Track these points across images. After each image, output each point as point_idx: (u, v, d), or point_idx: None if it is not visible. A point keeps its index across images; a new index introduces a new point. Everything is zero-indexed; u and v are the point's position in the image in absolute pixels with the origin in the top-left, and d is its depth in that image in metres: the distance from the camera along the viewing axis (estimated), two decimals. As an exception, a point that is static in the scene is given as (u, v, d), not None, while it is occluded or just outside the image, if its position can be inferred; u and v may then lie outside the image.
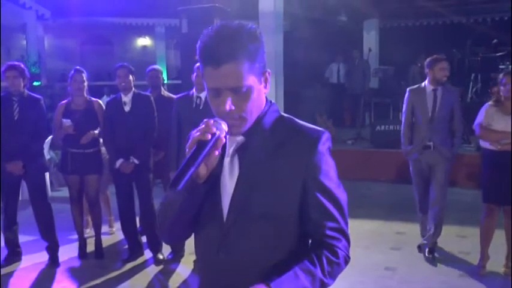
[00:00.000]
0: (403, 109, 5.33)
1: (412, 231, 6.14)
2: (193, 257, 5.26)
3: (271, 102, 1.55)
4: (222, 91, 1.41)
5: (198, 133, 1.37)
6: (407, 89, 5.38)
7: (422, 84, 5.24)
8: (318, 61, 13.29)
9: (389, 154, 9.15)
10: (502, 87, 4.65)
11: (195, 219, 1.55)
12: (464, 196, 7.31)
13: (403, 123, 5.31)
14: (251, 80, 1.42)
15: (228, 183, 1.50)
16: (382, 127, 9.53)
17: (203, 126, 1.38)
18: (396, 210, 7.13)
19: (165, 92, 6.03)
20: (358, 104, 11.92)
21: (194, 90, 5.04)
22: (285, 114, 1.57)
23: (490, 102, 4.80)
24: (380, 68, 13.17)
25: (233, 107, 1.42)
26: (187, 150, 1.38)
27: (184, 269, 5.13)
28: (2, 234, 5.30)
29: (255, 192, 1.46)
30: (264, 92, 1.50)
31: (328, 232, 1.49)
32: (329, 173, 1.50)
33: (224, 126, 1.41)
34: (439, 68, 5.05)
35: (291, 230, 1.50)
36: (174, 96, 5.63)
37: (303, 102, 11.31)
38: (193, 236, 1.64)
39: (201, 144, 1.36)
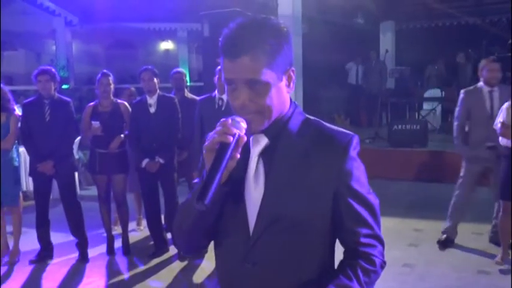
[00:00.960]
0: (458, 110, 5.25)
1: (429, 228, 6.09)
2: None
3: (295, 103, 1.45)
4: (238, 84, 1.32)
5: (216, 135, 1.28)
6: (462, 91, 5.30)
7: (478, 85, 5.16)
8: (335, 63, 13.23)
9: (406, 153, 9.09)
10: None
11: (214, 228, 1.43)
12: (479, 194, 7.20)
13: (457, 123, 5.25)
14: (269, 76, 1.31)
15: (253, 190, 1.38)
16: (399, 126, 9.46)
17: (221, 127, 1.28)
18: (414, 208, 7.07)
19: (188, 94, 6.06)
20: (375, 104, 11.84)
21: (216, 92, 5.05)
22: (311, 117, 1.46)
23: (509, 101, 4.73)
24: (396, 69, 13.06)
25: (247, 101, 1.32)
26: (204, 151, 1.29)
27: (208, 264, 5.13)
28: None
29: (284, 200, 1.35)
30: (287, 91, 1.39)
31: (363, 240, 1.39)
32: (360, 178, 1.40)
33: (243, 124, 1.31)
34: (491, 69, 5.00)
35: (321, 240, 1.40)
36: (197, 98, 5.66)
37: (321, 102, 11.28)
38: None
39: (222, 146, 1.26)
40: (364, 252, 1.39)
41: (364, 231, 1.39)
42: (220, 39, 1.35)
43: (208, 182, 1.22)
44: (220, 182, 1.25)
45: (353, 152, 1.38)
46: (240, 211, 1.39)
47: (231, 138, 1.26)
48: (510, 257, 4.77)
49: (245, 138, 1.30)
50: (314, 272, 1.38)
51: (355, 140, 1.39)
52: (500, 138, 4.73)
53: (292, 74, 1.38)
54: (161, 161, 5.17)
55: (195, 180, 1.55)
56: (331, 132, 1.41)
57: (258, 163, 1.39)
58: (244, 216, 1.38)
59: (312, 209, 1.36)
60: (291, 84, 1.39)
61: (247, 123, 1.32)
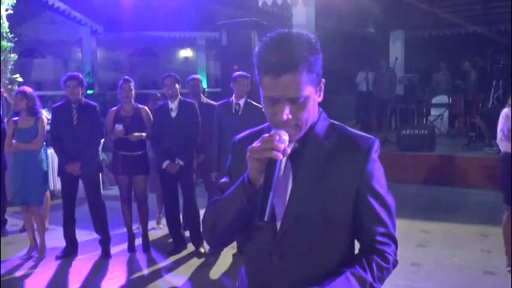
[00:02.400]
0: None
1: (436, 230, 6.04)
2: (233, 251, 5.29)
3: (321, 109, 1.47)
4: (280, 101, 1.33)
5: (261, 149, 1.28)
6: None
7: None
8: (347, 70, 13.18)
9: (414, 157, 9.02)
10: None
11: (244, 225, 1.47)
12: (486, 197, 7.14)
13: None
14: (308, 90, 1.34)
15: (281, 190, 1.39)
16: (408, 131, 9.39)
17: (267, 143, 1.28)
18: (421, 209, 7.00)
19: (204, 99, 6.07)
20: (385, 110, 11.78)
21: (233, 97, 5.07)
22: (335, 122, 1.50)
23: (506, 108, 4.67)
24: (405, 76, 13.00)
25: (290, 116, 1.33)
26: (249, 154, 1.30)
27: (224, 261, 5.14)
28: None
29: (310, 198, 1.38)
30: (318, 100, 1.42)
31: (379, 238, 1.42)
32: (380, 179, 1.44)
33: (286, 137, 1.31)
34: None
35: (342, 235, 1.44)
36: (214, 103, 5.68)
37: (333, 108, 11.20)
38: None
39: (271, 163, 1.27)
40: (379, 249, 1.42)
41: (381, 229, 1.42)
42: (256, 54, 1.35)
43: (264, 199, 1.26)
44: (273, 197, 1.27)
45: (374, 155, 1.43)
46: None
47: (281, 156, 1.28)
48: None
49: (288, 151, 1.31)
50: (336, 265, 1.41)
51: (376, 143, 1.44)
52: (500, 145, 4.65)
53: (322, 85, 1.42)
54: (181, 162, 5.19)
55: (223, 180, 1.57)
56: (354, 136, 1.45)
57: (286, 164, 1.41)
58: (273, 214, 1.39)
59: (335, 207, 1.39)
60: (321, 93, 1.43)
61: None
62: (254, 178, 1.32)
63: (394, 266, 1.47)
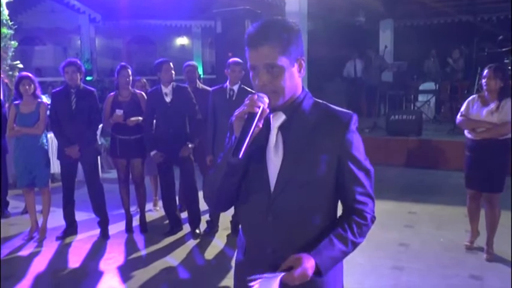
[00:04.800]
0: None
1: (423, 211, 6.05)
2: (227, 232, 5.28)
3: (306, 90, 1.63)
4: (259, 68, 1.51)
5: (245, 107, 1.46)
6: None
7: None
8: (338, 58, 13.16)
9: (402, 141, 9.03)
10: (483, 80, 4.49)
11: (239, 189, 1.62)
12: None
13: None
14: (283, 61, 1.50)
15: (274, 157, 1.56)
16: (396, 117, 9.38)
17: (249, 101, 1.47)
18: (409, 191, 7.01)
19: (200, 85, 6.00)
20: (375, 96, 11.76)
21: (228, 83, 5.02)
22: (319, 100, 1.65)
23: (474, 94, 4.65)
24: (394, 63, 12.95)
25: (266, 82, 1.51)
26: (233, 119, 1.50)
27: (219, 242, 5.13)
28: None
29: (299, 165, 1.54)
30: (298, 76, 1.57)
31: (358, 197, 1.59)
32: (359, 147, 1.60)
33: (266, 99, 1.49)
34: None
35: (327, 197, 1.59)
36: (209, 89, 5.62)
37: (324, 94, 11.13)
38: (230, 211, 1.64)
39: (250, 116, 1.45)
40: (358, 209, 1.60)
41: (359, 189, 1.60)
42: (246, 34, 1.55)
43: (240, 141, 1.43)
44: (249, 142, 1.44)
45: (353, 126, 1.58)
46: (263, 173, 1.57)
47: (257, 109, 1.45)
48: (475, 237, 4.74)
49: (267, 111, 1.49)
50: (323, 222, 1.59)
51: (355, 117, 1.60)
52: (465, 130, 4.60)
53: (302, 62, 1.57)
54: (190, 145, 5.17)
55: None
56: (335, 111, 1.61)
57: (277, 135, 1.57)
58: (266, 178, 1.57)
59: (320, 172, 1.55)
60: (302, 70, 1.58)
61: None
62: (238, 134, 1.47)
63: (373, 222, 1.64)
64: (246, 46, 1.55)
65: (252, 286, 1.45)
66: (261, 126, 1.48)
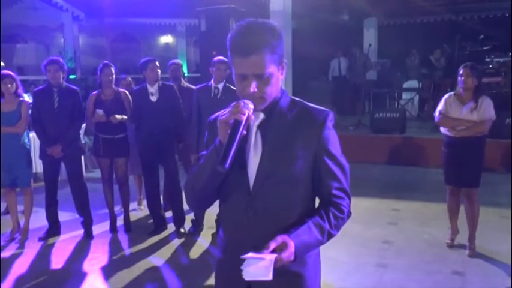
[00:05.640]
0: None
1: (406, 208, 6.09)
2: (212, 231, 5.26)
3: (283, 89, 1.67)
4: (248, 77, 1.52)
5: (228, 114, 1.47)
6: None
7: None
8: (322, 56, 13.18)
9: (386, 139, 9.07)
10: (459, 78, 4.54)
11: (219, 188, 1.64)
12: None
13: None
14: (272, 68, 1.53)
15: (253, 155, 1.59)
16: (380, 114, 9.42)
17: (233, 108, 1.47)
18: (392, 189, 7.05)
19: (184, 83, 5.97)
20: (359, 94, 11.81)
21: (212, 81, 4.99)
22: (296, 98, 1.68)
23: (450, 92, 4.71)
24: (378, 62, 13.03)
25: (256, 90, 1.52)
26: (218, 124, 1.49)
27: (204, 241, 5.11)
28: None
29: (277, 162, 1.56)
30: (280, 78, 1.60)
31: (334, 191, 1.61)
32: (335, 144, 1.63)
33: (251, 106, 1.51)
34: None
35: (305, 192, 1.62)
36: (194, 87, 5.59)
37: (309, 92, 11.20)
38: (215, 210, 1.63)
39: (236, 123, 1.46)
40: (335, 202, 1.62)
41: (336, 184, 1.62)
42: (229, 39, 1.54)
43: (227, 150, 1.43)
44: (235, 150, 1.44)
45: (329, 124, 1.62)
46: (243, 171, 1.59)
47: (243, 117, 1.46)
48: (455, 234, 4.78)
49: (253, 118, 1.52)
50: (301, 217, 1.59)
51: (331, 114, 1.63)
52: (442, 128, 4.67)
53: (284, 64, 1.60)
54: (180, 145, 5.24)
55: (203, 152, 1.69)
56: (312, 109, 1.64)
57: (256, 134, 1.60)
58: (246, 175, 1.59)
59: (298, 168, 1.57)
60: (283, 72, 1.61)
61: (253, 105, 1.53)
62: (224, 139, 1.48)
63: (348, 217, 1.66)
64: (232, 52, 1.54)
65: (243, 264, 1.44)
66: (245, 133, 1.49)
